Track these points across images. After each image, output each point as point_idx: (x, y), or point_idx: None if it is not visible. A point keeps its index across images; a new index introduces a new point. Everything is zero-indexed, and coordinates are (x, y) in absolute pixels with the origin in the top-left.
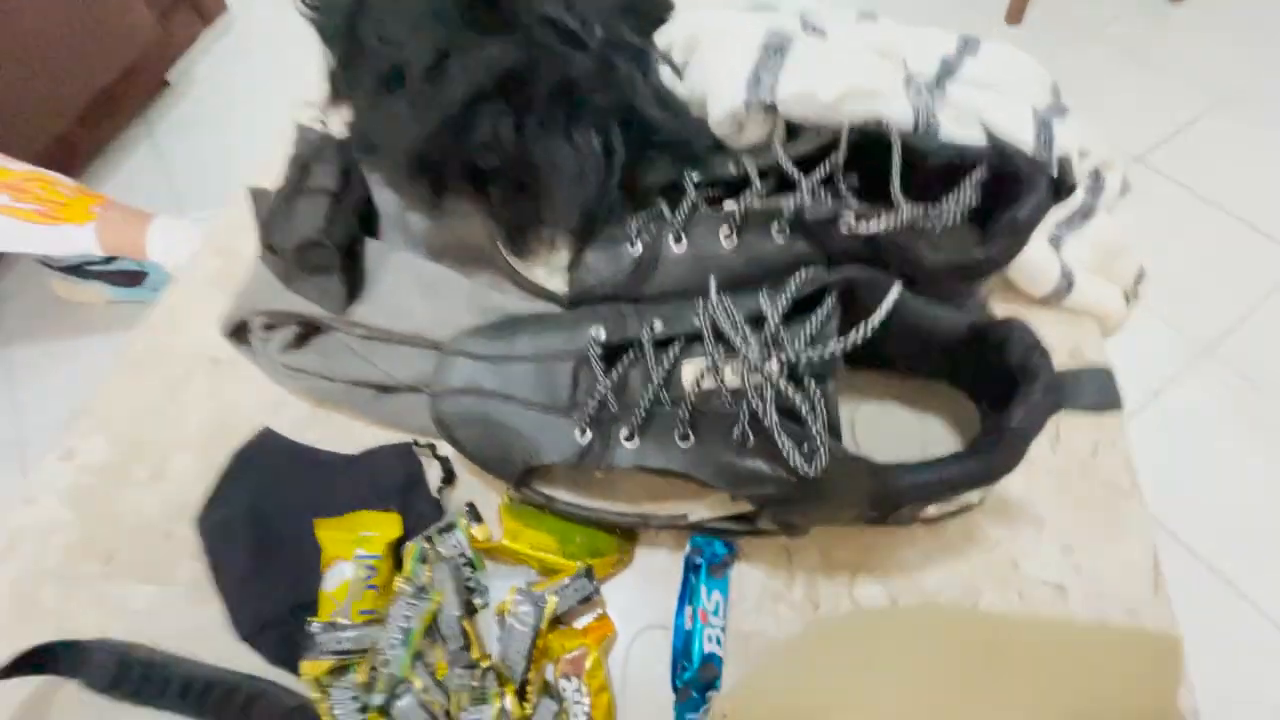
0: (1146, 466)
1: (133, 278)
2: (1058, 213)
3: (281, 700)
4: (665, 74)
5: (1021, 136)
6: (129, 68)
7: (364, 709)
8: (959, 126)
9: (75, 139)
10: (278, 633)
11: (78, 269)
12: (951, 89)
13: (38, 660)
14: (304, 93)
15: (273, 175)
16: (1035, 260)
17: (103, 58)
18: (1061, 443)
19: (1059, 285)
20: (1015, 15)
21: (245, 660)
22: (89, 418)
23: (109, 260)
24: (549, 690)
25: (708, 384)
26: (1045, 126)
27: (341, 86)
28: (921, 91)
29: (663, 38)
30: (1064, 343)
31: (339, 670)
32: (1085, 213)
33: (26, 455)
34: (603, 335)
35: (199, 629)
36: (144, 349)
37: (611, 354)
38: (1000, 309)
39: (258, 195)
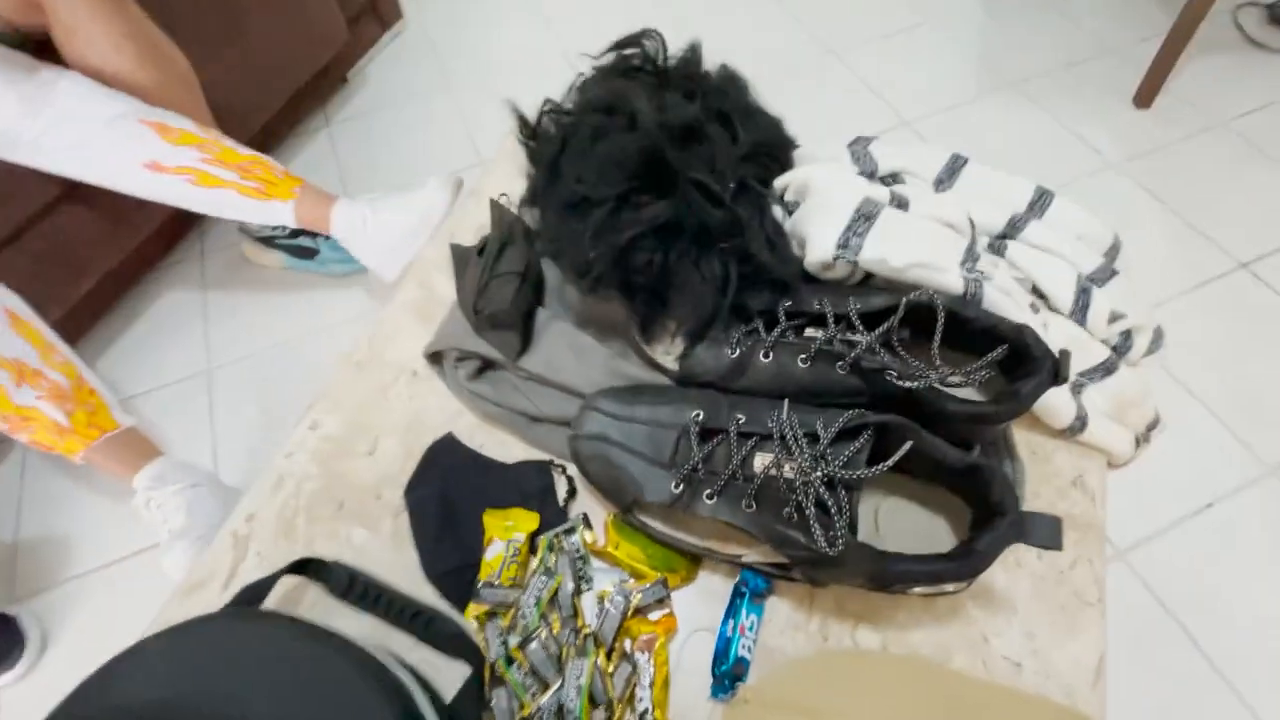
0: (1182, 574)
1: (307, 253)
2: (1083, 363)
3: (450, 627)
4: (778, 211)
5: (1062, 299)
6: (322, 67)
7: (505, 644)
8: (1003, 295)
9: (273, 125)
10: (452, 580)
11: (267, 239)
12: (1012, 247)
13: (300, 567)
14: (459, 99)
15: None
16: (1053, 402)
17: (306, 60)
18: (1047, 553)
19: (1073, 424)
20: (1145, 99)
21: (425, 594)
22: (326, 400)
23: (293, 235)
24: (627, 657)
25: (771, 472)
26: (1085, 293)
27: (539, 197)
28: (974, 266)
29: (781, 180)
30: (1071, 471)
31: (491, 614)
32: (1108, 369)
33: (212, 384)
34: (701, 417)
35: (396, 567)
36: (364, 356)
37: (705, 433)
38: (1021, 435)
39: (456, 250)
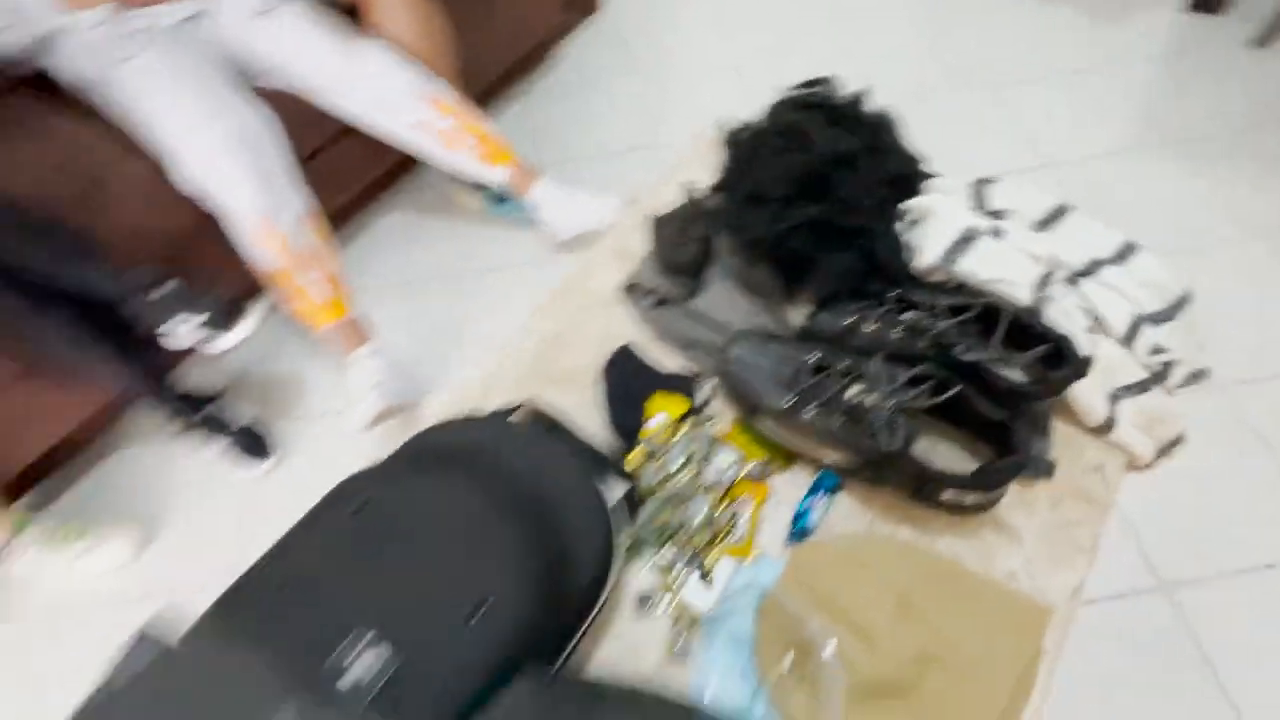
0: (1225, 623)
1: (503, 199)
2: (1122, 379)
3: (619, 467)
4: (901, 226)
5: (1115, 328)
6: (534, 45)
7: (653, 479)
8: (1062, 314)
9: (491, 86)
10: (625, 431)
11: (474, 185)
12: (1085, 283)
13: (523, 406)
14: (641, 86)
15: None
16: (1087, 401)
17: (527, 36)
18: (1060, 508)
19: (1102, 425)
20: None
21: (603, 442)
22: (538, 315)
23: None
24: (733, 504)
25: (858, 400)
26: (1136, 327)
27: (728, 188)
28: (1045, 289)
29: (909, 203)
30: (1095, 459)
31: (647, 458)
32: (1142, 388)
33: (412, 292)
34: (815, 358)
35: (585, 422)
36: (567, 286)
37: (816, 369)
38: (1062, 426)
39: (655, 219)
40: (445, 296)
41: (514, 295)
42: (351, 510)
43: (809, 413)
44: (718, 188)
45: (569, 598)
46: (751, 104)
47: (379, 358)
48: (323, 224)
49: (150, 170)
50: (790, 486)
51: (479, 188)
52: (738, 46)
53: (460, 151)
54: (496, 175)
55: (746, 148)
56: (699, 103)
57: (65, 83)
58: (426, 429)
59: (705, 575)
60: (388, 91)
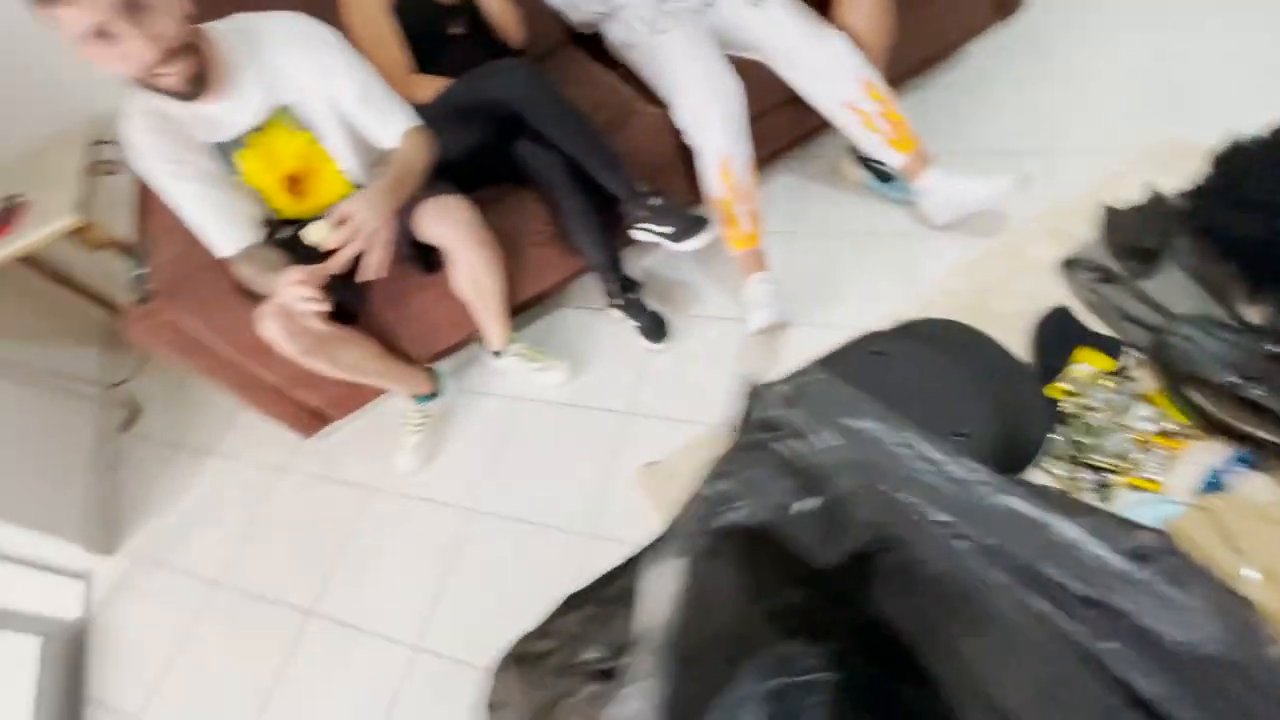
0: None
1: (886, 177)
2: None
3: (1041, 391)
4: None
5: None
6: (951, 41)
7: (1075, 410)
8: None
9: (894, 78)
10: (1050, 372)
11: (862, 159)
12: None
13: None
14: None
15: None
16: None
17: (948, 33)
18: None
19: None
20: None
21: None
22: (967, 268)
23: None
24: (1148, 447)
25: None
26: None
27: (1209, 194)
28: None
29: None
30: None
31: (1068, 394)
32: None
33: (793, 238)
34: (1272, 350)
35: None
36: (981, 256)
37: (1270, 358)
38: None
39: (1110, 209)
40: (821, 249)
41: (883, 260)
42: (871, 350)
43: (1255, 390)
44: (1197, 192)
45: (1010, 458)
46: (1170, 125)
47: (771, 284)
48: (756, 171)
49: (658, 112)
50: (1203, 452)
51: (866, 164)
52: (1166, 69)
53: (874, 133)
54: (896, 159)
55: (1240, 159)
56: (1106, 115)
57: (610, 43)
58: (921, 319)
59: (1104, 488)
60: (837, 74)
